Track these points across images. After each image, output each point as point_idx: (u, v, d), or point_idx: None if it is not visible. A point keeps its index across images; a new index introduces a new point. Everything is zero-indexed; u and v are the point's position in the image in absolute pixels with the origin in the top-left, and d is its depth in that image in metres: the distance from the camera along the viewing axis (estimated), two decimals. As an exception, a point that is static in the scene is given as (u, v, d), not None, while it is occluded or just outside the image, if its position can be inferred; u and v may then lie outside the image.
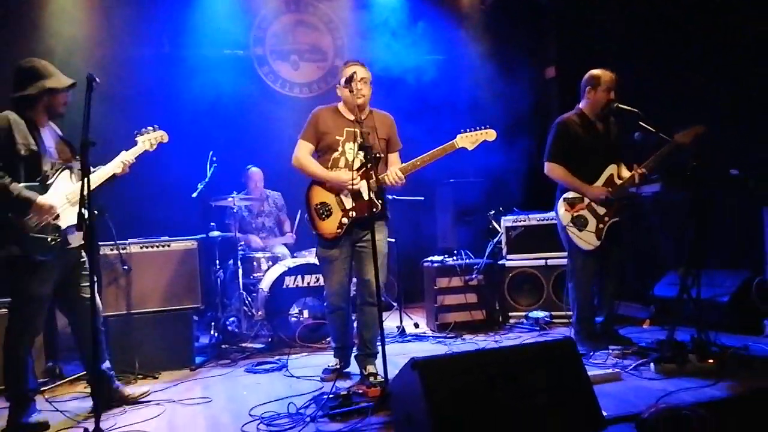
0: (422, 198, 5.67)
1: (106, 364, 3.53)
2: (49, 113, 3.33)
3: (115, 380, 3.60)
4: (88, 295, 3.23)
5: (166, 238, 4.47)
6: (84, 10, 5.89)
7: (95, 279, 3.15)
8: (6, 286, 3.27)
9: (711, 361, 3.51)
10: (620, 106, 4.09)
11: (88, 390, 3.79)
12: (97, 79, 2.96)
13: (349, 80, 3.63)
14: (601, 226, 4.10)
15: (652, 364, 3.58)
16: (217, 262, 5.16)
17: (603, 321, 4.25)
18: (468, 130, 3.73)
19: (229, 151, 5.38)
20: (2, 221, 3.11)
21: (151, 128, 3.55)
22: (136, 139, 3.50)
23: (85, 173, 2.85)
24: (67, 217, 3.24)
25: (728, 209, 4.93)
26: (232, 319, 5.27)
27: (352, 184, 3.62)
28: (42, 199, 3.16)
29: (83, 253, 3.37)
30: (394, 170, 3.69)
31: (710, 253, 4.92)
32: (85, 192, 2.82)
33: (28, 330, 3.26)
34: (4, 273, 3.18)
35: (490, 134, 3.74)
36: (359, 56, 6.53)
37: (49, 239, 3.17)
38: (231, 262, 5.36)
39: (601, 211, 4.11)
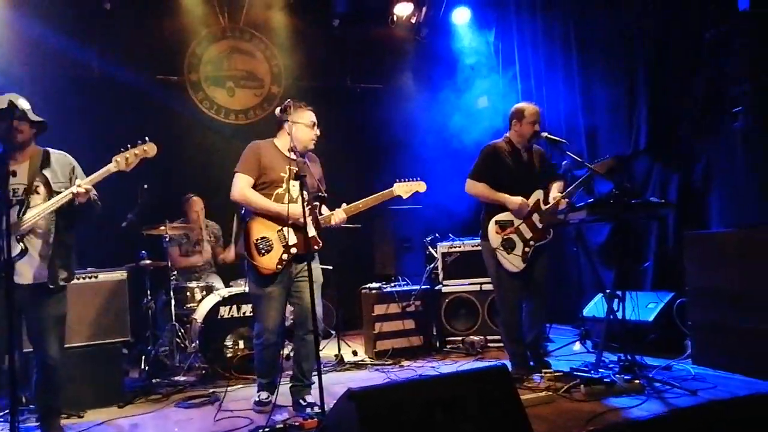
0: (360, 225, 5.67)
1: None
2: None
3: None
4: None
5: (93, 269, 4.30)
6: (9, 29, 5.66)
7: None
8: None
9: (637, 381, 3.66)
10: (549, 136, 4.26)
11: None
12: (19, 106, 2.86)
13: (285, 110, 3.58)
14: (527, 249, 4.22)
15: (582, 386, 3.69)
16: (148, 292, 4.98)
17: (530, 343, 4.34)
18: (403, 180, 4.13)
19: (161, 178, 5.25)
20: None
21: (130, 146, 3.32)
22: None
23: (7, 203, 2.74)
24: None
25: (652, 234, 5.18)
26: (163, 350, 5.08)
27: (304, 218, 3.50)
28: None
29: None
30: (339, 212, 3.86)
31: (635, 277, 5.15)
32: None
33: None
34: None
35: (422, 186, 4.18)
36: (294, 84, 6.62)
37: None
38: (163, 292, 5.19)
39: (528, 234, 4.24)
